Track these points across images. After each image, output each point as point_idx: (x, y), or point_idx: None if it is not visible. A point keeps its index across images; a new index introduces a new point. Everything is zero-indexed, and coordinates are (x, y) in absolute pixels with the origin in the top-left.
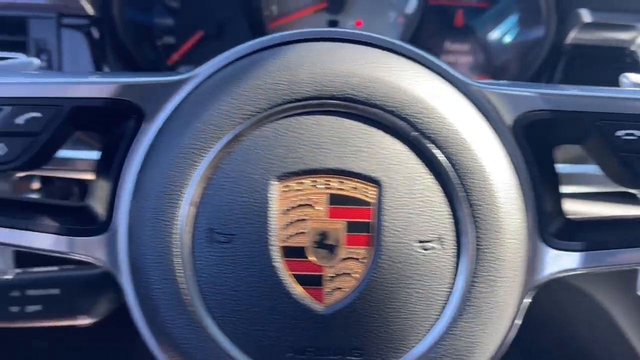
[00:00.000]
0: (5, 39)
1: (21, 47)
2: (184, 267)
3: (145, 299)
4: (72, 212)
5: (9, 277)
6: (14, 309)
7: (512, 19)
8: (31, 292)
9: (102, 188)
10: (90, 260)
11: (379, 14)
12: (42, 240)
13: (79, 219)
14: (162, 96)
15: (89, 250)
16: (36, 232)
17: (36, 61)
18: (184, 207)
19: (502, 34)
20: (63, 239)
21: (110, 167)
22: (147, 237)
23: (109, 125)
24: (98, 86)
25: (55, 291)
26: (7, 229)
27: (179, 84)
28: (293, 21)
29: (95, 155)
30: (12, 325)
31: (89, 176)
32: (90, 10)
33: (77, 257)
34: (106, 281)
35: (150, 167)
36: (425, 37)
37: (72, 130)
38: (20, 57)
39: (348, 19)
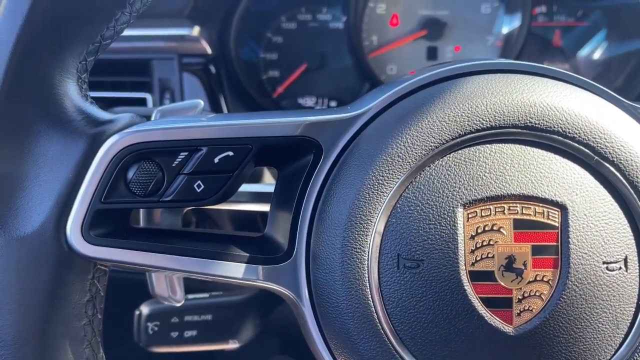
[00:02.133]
0: (132, 80)
1: (146, 87)
2: (372, 292)
3: (331, 322)
4: (254, 242)
5: (180, 304)
6: (174, 334)
7: (601, 35)
8: (188, 318)
9: (281, 219)
10: (272, 287)
11: (476, 39)
12: (235, 270)
13: (262, 249)
14: (337, 132)
15: (273, 278)
16: (230, 262)
17: (201, 103)
18: (372, 235)
19: (592, 50)
20: (253, 267)
21: (289, 199)
22: (336, 265)
23: (286, 160)
24: (284, 126)
25: (208, 317)
26: (201, 259)
27: (353, 119)
28: (393, 50)
29: (263, 188)
30: (172, 349)
31: (255, 208)
32: (209, 50)
33: (261, 284)
34: (250, 307)
35: (333, 198)
36: (526, 59)
37: (253, 166)
38: (194, 101)
39: (447, 45)
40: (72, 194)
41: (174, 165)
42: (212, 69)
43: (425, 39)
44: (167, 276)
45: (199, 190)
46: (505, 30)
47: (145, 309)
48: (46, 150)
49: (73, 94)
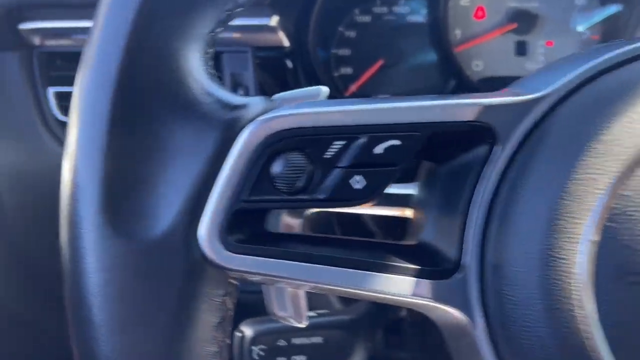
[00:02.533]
0: None
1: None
2: (587, 313)
3: (524, 352)
4: (409, 251)
5: (305, 325)
6: (281, 359)
7: None
8: (296, 341)
9: (444, 223)
10: (441, 307)
11: (570, 33)
12: (401, 285)
13: (422, 260)
14: (514, 118)
15: (442, 295)
16: (394, 276)
17: (324, 89)
18: (584, 243)
19: None
20: (420, 282)
21: (453, 200)
22: (534, 281)
23: (448, 153)
24: (459, 109)
25: (319, 339)
26: (360, 272)
27: (534, 102)
28: (479, 44)
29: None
30: None
31: (397, 212)
32: (286, 42)
33: (430, 303)
34: (361, 328)
35: (524, 198)
36: None
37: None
38: (315, 88)
39: (537, 40)
40: (206, 191)
41: (326, 156)
42: (289, 63)
43: (514, 33)
44: (291, 292)
45: (357, 187)
46: (601, 23)
47: (248, 331)
48: (172, 138)
49: (199, 72)
